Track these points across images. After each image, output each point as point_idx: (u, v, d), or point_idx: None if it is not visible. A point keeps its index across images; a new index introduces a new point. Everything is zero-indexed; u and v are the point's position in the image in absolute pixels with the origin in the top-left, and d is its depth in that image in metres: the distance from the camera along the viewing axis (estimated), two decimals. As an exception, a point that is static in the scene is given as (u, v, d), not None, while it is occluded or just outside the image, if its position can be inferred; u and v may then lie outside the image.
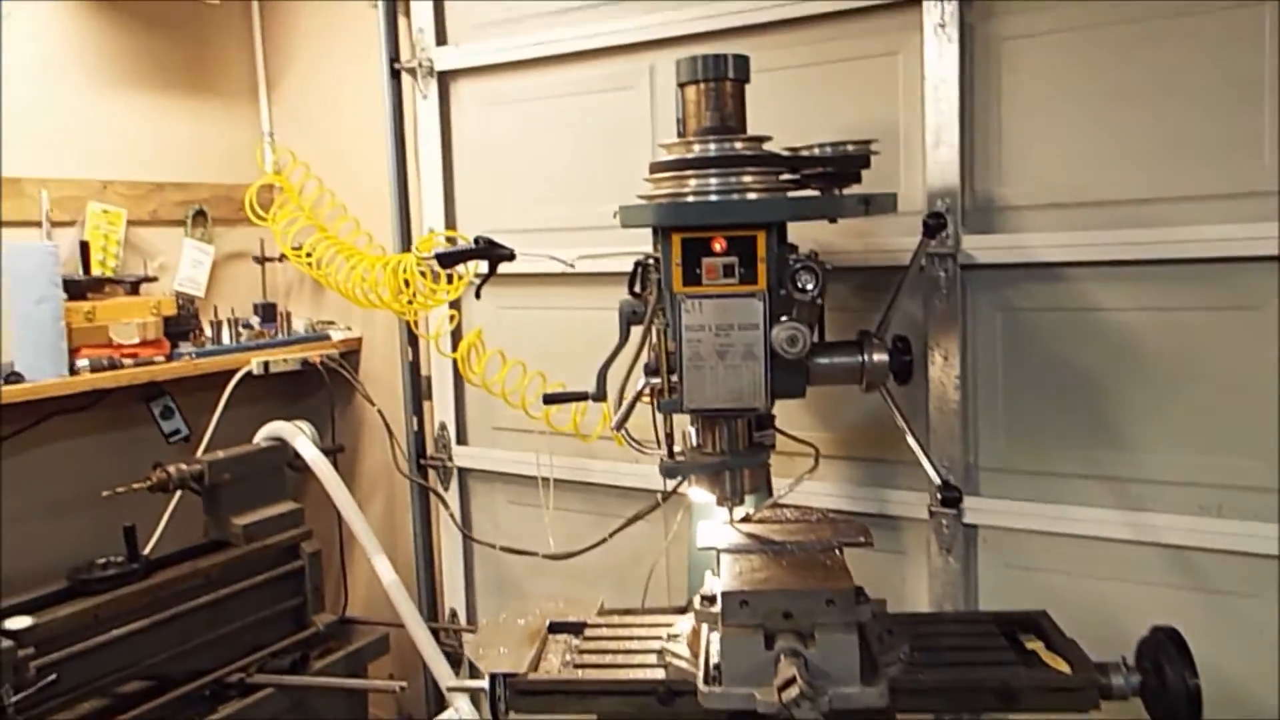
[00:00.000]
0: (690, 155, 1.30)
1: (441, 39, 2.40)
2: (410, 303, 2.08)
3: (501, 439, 2.44)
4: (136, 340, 2.30)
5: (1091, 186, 1.72)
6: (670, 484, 1.77)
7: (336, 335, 2.71)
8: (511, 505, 2.47)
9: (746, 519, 1.45)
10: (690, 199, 1.29)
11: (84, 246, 2.32)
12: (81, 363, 2.16)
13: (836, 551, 1.33)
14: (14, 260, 2.06)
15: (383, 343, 2.68)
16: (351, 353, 2.73)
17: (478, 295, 1.58)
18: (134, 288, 2.42)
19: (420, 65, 2.39)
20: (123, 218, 2.47)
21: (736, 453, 1.37)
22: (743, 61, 1.52)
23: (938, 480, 1.35)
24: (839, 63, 1.92)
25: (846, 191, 1.53)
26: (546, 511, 2.17)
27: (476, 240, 1.53)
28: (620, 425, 1.37)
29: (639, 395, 1.36)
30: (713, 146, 1.30)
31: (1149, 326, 1.70)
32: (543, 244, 2.24)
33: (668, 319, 1.31)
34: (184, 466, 2.14)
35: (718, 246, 1.27)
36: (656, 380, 1.33)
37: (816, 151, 1.52)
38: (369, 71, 2.49)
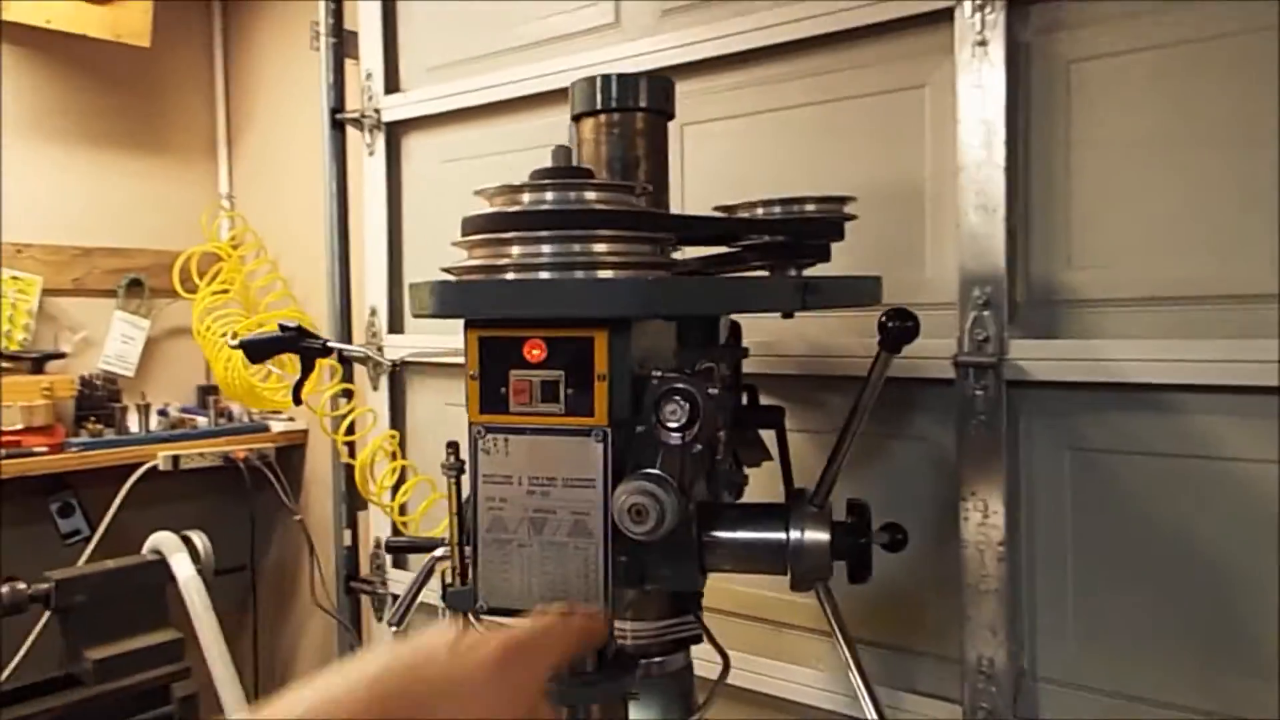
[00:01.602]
0: (512, 210, 0.82)
1: (393, 85, 2.01)
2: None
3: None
4: (19, 426, 1.94)
5: (1206, 273, 1.15)
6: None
7: (278, 427, 2.30)
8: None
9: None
10: (509, 275, 0.80)
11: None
12: (-70, 455, 1.81)
13: None
14: None
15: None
16: (295, 448, 2.31)
17: (296, 400, 1.13)
18: (37, 365, 2.07)
19: (365, 116, 2.00)
20: (36, 286, 2.14)
21: (581, 674, 0.85)
22: (660, 87, 1.05)
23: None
24: (848, 100, 1.41)
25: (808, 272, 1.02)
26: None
27: (283, 327, 1.08)
28: (398, 622, 0.87)
29: (424, 578, 0.86)
30: (549, 196, 0.81)
31: (1303, 487, 1.11)
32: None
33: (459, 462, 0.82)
34: (21, 586, 1.73)
35: (534, 353, 0.78)
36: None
37: (760, 213, 1.02)
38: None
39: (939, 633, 1.35)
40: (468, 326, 0.80)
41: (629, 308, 0.75)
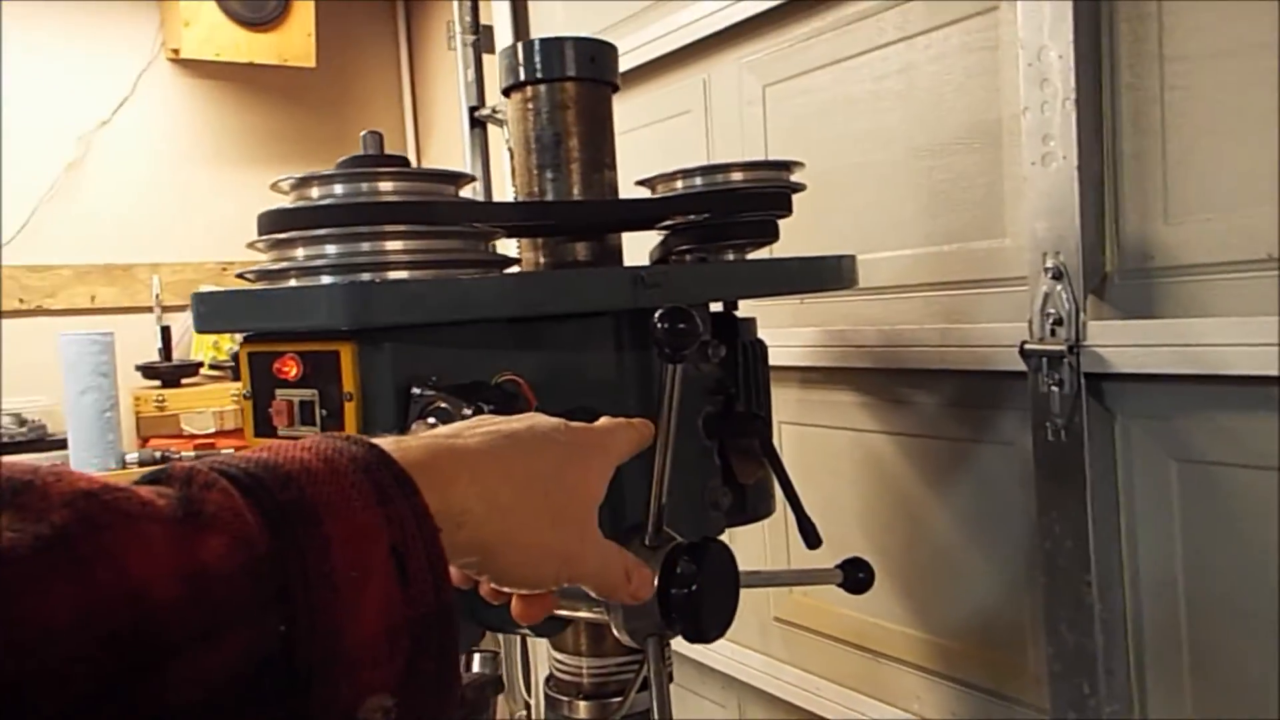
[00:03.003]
0: (293, 207, 0.75)
1: (524, 76, 1.97)
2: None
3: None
4: (212, 429, 2.14)
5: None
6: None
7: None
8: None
9: None
10: (293, 281, 0.74)
11: (164, 331, 2.21)
12: (131, 455, 2.02)
13: None
14: (65, 351, 1.98)
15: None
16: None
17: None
18: (236, 374, 2.27)
19: (497, 111, 1.98)
20: (240, 299, 2.35)
21: None
22: (590, 51, 0.92)
23: None
24: (922, 36, 1.18)
25: (727, 252, 0.85)
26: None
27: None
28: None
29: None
30: (338, 189, 0.73)
31: None
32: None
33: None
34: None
35: (288, 370, 0.70)
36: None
37: (679, 186, 0.86)
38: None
39: (1039, 679, 1.10)
40: (242, 341, 0.74)
41: (330, 318, 0.65)
